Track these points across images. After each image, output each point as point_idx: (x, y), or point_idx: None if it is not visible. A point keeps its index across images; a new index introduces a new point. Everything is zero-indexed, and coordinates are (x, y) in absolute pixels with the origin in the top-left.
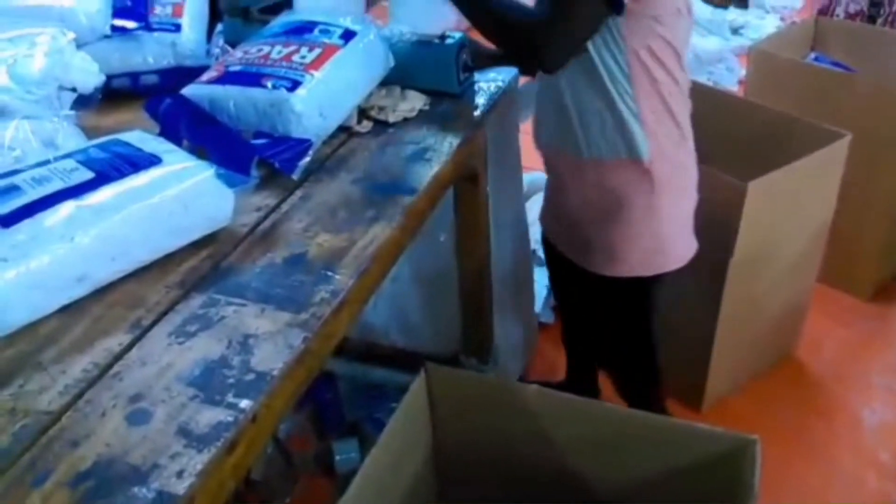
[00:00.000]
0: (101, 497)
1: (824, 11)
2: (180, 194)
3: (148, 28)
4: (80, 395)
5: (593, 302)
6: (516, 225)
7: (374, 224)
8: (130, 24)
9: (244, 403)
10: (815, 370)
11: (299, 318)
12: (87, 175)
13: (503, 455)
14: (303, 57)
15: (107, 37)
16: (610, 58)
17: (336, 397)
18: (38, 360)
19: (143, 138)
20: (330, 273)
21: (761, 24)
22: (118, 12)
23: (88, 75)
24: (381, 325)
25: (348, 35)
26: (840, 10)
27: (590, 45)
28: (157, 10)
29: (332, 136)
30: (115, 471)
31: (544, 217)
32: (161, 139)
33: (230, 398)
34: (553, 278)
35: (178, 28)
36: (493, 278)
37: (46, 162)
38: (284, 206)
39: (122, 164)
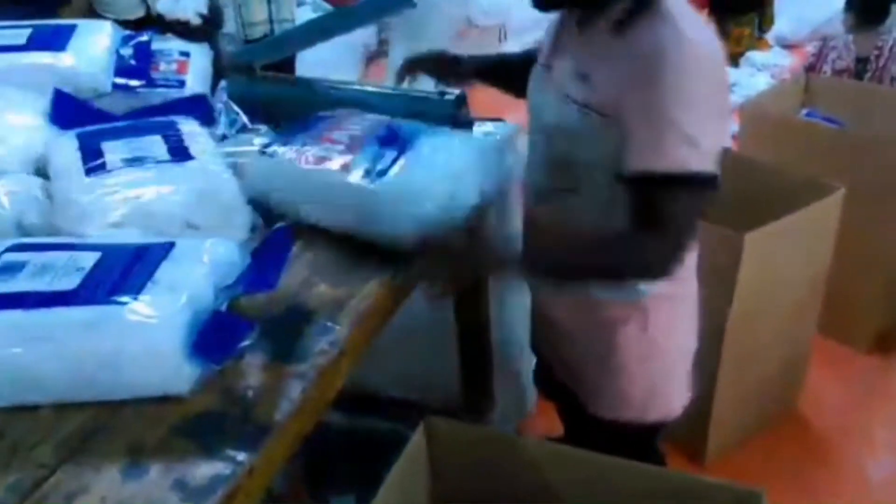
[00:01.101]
0: None
1: (811, 69)
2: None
3: (151, 85)
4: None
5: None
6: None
7: (373, 276)
8: (134, 83)
9: (241, 456)
10: (818, 423)
11: (299, 369)
12: (72, 284)
13: None
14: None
15: (109, 94)
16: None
17: (332, 450)
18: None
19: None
20: (330, 324)
21: (752, 82)
22: (121, 70)
23: None
24: (378, 376)
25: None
26: (827, 67)
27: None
28: (161, 66)
29: None
30: None
31: (536, 342)
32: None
33: (228, 451)
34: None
35: (182, 84)
36: (493, 330)
37: (70, 247)
38: None
39: (109, 284)
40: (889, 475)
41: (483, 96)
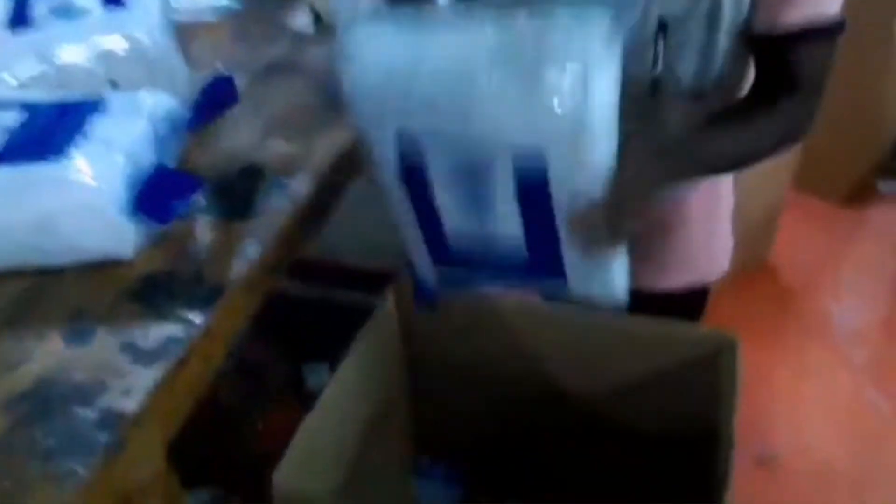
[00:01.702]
0: (40, 419)
1: None
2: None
3: None
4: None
5: None
6: None
7: (331, 130)
8: None
9: (195, 317)
10: (789, 274)
11: (253, 229)
12: None
13: (481, 370)
14: None
15: None
16: None
17: (304, 320)
18: None
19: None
20: (286, 180)
21: None
22: None
23: None
24: (346, 244)
25: None
26: None
27: None
28: None
29: (281, 38)
30: (55, 391)
31: None
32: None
33: (180, 312)
34: None
35: None
36: None
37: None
38: (235, 110)
39: (36, 143)
40: (856, 322)
41: None
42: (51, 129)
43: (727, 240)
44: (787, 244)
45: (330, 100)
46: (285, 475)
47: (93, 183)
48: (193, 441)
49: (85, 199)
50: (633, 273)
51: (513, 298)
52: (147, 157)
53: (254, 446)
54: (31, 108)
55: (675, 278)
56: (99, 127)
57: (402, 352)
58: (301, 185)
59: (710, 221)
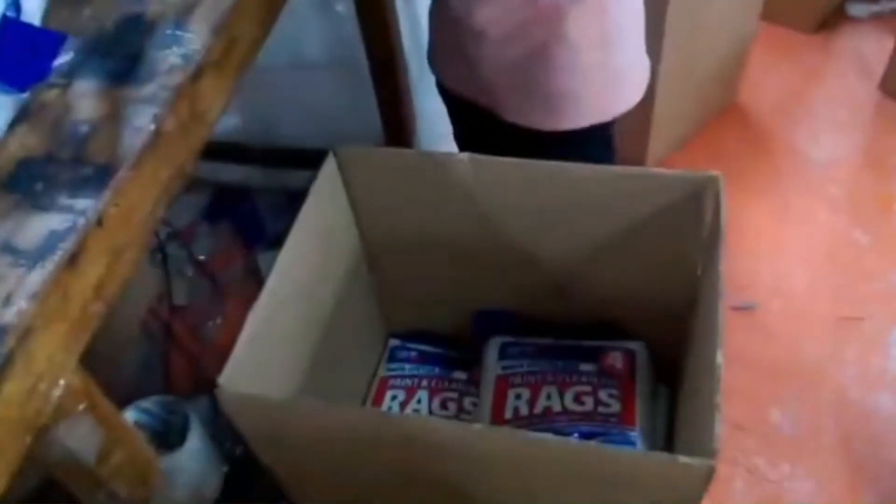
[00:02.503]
0: None
1: None
2: None
3: None
4: None
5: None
6: None
7: None
8: None
9: (82, 204)
10: (760, 112)
11: (144, 92)
12: None
13: (441, 240)
14: None
15: None
16: None
17: (254, 209)
18: None
19: None
20: (179, 32)
21: None
22: None
23: None
24: (291, 125)
25: None
26: None
27: None
28: None
29: None
30: None
31: (438, 58)
32: None
33: (63, 200)
34: (462, 133)
35: None
36: (406, 48)
37: None
38: None
39: None
40: (831, 156)
41: None
42: None
43: (633, 68)
44: (756, 79)
45: None
46: (230, 378)
47: None
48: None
49: None
50: (522, 109)
51: (467, 155)
52: None
53: (215, 344)
54: None
55: (569, 117)
56: None
57: (354, 222)
58: (200, 36)
59: (604, 47)
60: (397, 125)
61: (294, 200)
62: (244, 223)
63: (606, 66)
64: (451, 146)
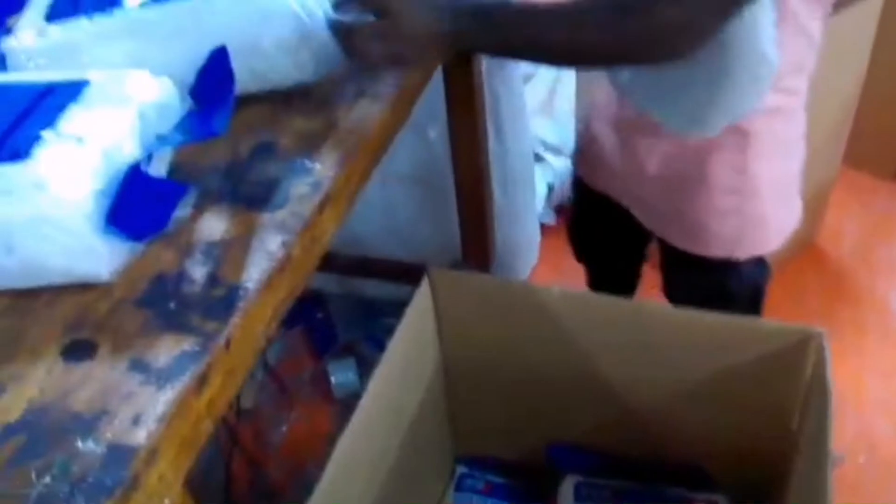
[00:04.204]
0: (35, 455)
1: None
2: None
3: None
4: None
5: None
6: (515, 113)
7: (358, 101)
8: None
9: (212, 326)
10: (838, 256)
11: (275, 218)
12: None
13: (522, 369)
14: None
15: None
16: None
17: (327, 316)
18: None
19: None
20: (309, 163)
21: None
22: None
23: None
24: (371, 235)
25: None
26: None
27: None
28: None
29: None
30: (51, 420)
31: (585, 158)
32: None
33: (195, 320)
34: (583, 225)
35: None
36: (493, 177)
37: None
38: None
39: None
40: None
41: None
42: (18, 121)
43: (773, 218)
44: (834, 221)
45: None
46: None
47: (57, 190)
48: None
49: (47, 210)
50: (660, 223)
51: (558, 289)
52: (129, 156)
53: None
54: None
55: (695, 243)
56: (76, 117)
57: (438, 346)
58: (327, 170)
59: (740, 194)
60: (476, 247)
61: (368, 309)
62: (316, 329)
63: (741, 211)
64: (524, 273)
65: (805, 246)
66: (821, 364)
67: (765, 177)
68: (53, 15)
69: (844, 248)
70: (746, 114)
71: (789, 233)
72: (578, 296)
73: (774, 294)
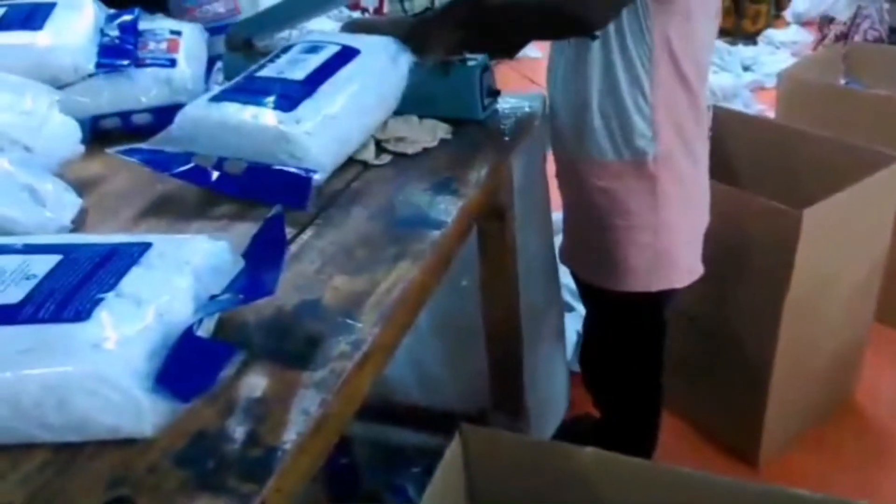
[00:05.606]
0: None
1: (843, 38)
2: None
3: (139, 64)
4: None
5: (604, 325)
6: (546, 266)
7: (397, 263)
8: (119, 62)
9: (249, 488)
10: (877, 416)
11: (315, 377)
12: (16, 297)
13: None
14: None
15: (93, 75)
16: (634, 47)
17: (352, 462)
18: None
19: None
20: (350, 321)
21: (772, 60)
22: (105, 50)
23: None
24: (400, 381)
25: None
26: (859, 38)
27: (613, 33)
28: (150, 45)
29: (345, 168)
30: None
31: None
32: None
33: (232, 482)
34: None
35: (173, 63)
36: (523, 326)
37: (29, 249)
38: (293, 247)
39: (60, 297)
40: None
41: None
42: (83, 281)
43: (679, 255)
44: (870, 380)
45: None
46: None
47: (111, 350)
48: None
49: (101, 368)
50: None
51: (591, 450)
52: (183, 317)
53: None
54: (69, 252)
55: (608, 279)
56: (136, 279)
57: (467, 498)
58: (368, 328)
59: (652, 231)
60: (507, 397)
61: (393, 455)
62: (340, 474)
63: (654, 247)
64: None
65: (844, 405)
66: None
67: (673, 223)
68: None
69: (883, 409)
70: None
71: (695, 278)
72: (612, 458)
73: (812, 454)
